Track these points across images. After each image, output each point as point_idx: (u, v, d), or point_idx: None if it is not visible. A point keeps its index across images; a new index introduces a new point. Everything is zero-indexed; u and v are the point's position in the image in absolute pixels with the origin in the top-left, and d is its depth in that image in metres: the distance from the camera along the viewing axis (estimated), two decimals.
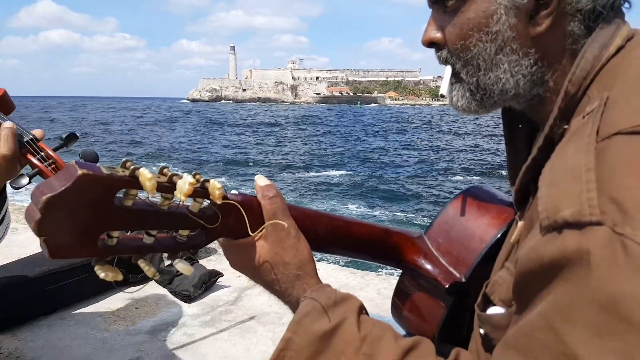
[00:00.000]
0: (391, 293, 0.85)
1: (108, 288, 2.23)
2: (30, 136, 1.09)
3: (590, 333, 0.35)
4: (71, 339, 1.87)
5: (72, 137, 1.16)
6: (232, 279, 2.42)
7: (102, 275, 0.51)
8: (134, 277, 2.25)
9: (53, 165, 1.08)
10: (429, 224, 0.82)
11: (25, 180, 1.02)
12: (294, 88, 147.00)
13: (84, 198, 0.46)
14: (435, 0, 0.61)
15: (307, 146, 28.70)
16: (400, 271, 0.82)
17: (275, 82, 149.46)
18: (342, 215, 0.77)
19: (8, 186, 1.07)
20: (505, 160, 0.71)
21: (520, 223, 0.60)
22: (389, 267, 0.86)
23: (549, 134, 0.54)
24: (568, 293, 0.38)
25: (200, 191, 0.54)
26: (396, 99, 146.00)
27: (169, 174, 0.52)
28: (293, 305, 0.62)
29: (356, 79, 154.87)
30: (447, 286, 0.73)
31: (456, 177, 17.33)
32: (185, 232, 0.56)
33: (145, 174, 0.48)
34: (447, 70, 0.63)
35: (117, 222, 0.50)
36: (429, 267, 0.76)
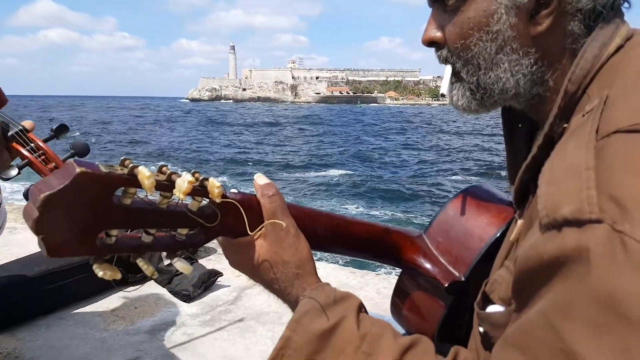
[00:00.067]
0: (391, 292, 0.85)
1: (107, 288, 2.23)
2: (20, 127, 1.07)
3: (589, 330, 0.35)
4: (70, 338, 1.87)
5: (62, 129, 1.14)
6: (232, 278, 2.42)
7: (100, 273, 0.51)
8: (133, 277, 2.25)
9: (43, 157, 1.07)
10: (428, 223, 0.82)
11: (14, 171, 1.01)
12: (293, 87, 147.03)
13: (83, 196, 0.46)
14: None
15: (307, 146, 28.72)
16: (400, 270, 0.82)
17: (275, 81, 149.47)
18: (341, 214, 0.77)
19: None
20: (505, 160, 0.71)
21: (519, 222, 0.61)
22: (388, 266, 0.86)
23: (549, 133, 0.54)
24: (567, 291, 0.38)
25: (199, 190, 0.54)
26: (396, 99, 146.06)
27: (168, 172, 0.52)
28: (292, 304, 0.61)
29: (356, 78, 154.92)
30: (446, 285, 0.73)
31: (456, 177, 17.34)
32: (184, 231, 0.56)
33: (144, 172, 0.48)
34: (447, 69, 0.63)
35: (116, 221, 0.50)
36: (428, 266, 0.76)
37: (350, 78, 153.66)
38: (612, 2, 0.54)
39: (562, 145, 0.48)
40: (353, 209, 12.39)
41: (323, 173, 18.59)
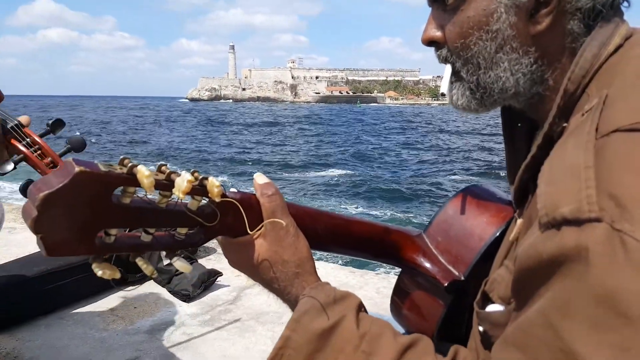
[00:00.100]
0: (390, 292, 0.85)
1: (106, 287, 2.23)
2: (15, 122, 1.07)
3: (588, 328, 0.36)
4: (69, 338, 1.87)
5: (58, 124, 1.14)
6: (231, 278, 2.42)
7: (99, 272, 0.51)
8: (132, 277, 2.25)
9: (39, 152, 1.07)
10: (428, 222, 0.82)
11: (10, 166, 1.01)
12: (293, 87, 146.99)
13: (82, 195, 0.46)
14: None
15: (306, 145, 28.71)
16: (400, 270, 0.82)
17: (275, 81, 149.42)
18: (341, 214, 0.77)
19: None
20: (504, 159, 0.71)
21: (519, 221, 0.61)
22: (388, 266, 0.86)
23: (548, 132, 0.54)
24: (566, 289, 0.38)
25: (199, 189, 0.54)
26: (396, 99, 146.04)
27: (167, 171, 0.51)
28: (292, 304, 0.61)
29: (356, 78, 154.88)
30: (446, 284, 0.73)
31: (455, 177, 17.35)
32: (183, 230, 0.56)
33: (143, 172, 0.48)
34: (447, 69, 0.63)
35: (115, 220, 0.50)
36: (428, 265, 0.76)
37: (350, 78, 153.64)
38: (612, 1, 0.54)
39: (561, 145, 0.48)
40: (353, 209, 12.39)
41: (323, 173, 18.59)
